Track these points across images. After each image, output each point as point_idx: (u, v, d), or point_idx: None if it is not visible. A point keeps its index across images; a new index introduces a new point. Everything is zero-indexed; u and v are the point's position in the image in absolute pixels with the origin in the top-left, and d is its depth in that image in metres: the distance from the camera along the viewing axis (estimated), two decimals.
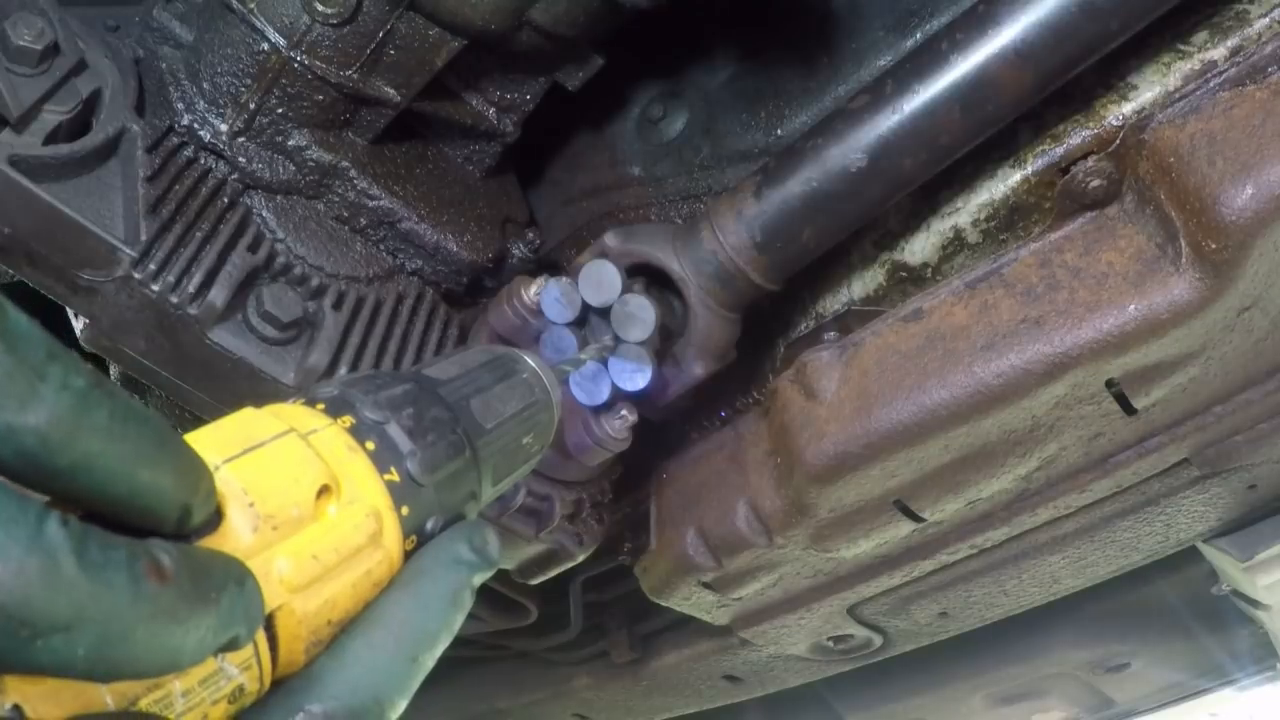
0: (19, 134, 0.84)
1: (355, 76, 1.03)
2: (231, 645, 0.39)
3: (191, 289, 0.93)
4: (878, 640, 1.50)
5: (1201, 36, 0.97)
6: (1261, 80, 0.89)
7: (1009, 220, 1.06)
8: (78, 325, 0.95)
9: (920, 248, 1.11)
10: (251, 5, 0.98)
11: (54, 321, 0.99)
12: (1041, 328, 0.94)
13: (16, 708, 0.33)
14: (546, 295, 1.05)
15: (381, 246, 1.15)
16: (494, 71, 1.18)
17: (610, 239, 1.07)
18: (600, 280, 1.02)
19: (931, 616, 1.44)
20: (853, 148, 0.98)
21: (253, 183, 1.05)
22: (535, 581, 1.27)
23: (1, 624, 0.31)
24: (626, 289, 1.02)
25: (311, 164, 1.07)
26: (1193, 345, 0.93)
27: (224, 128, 1.02)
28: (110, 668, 0.34)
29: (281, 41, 0.98)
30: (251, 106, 1.02)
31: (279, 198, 1.07)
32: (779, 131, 1.23)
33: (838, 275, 1.18)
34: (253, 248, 1.01)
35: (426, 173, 1.19)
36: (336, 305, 1.05)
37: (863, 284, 1.16)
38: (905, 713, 2.08)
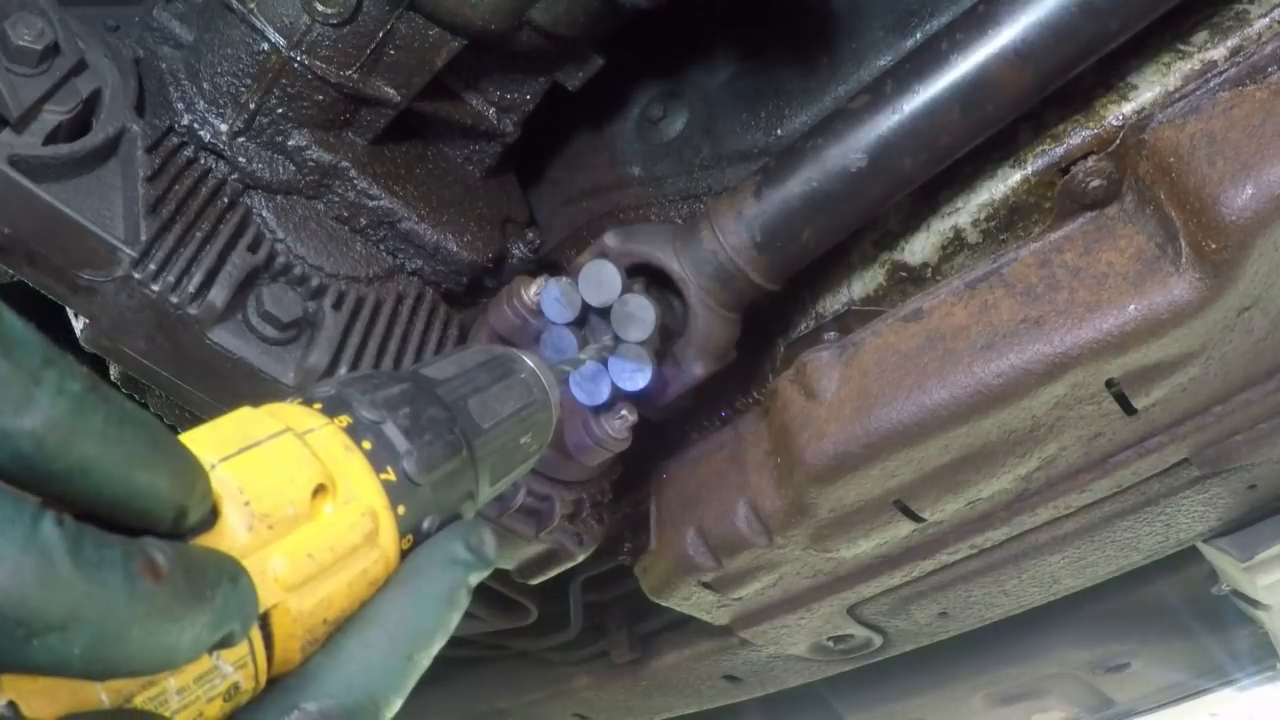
0: (19, 134, 0.84)
1: (355, 76, 1.03)
2: (226, 642, 0.39)
3: (191, 289, 0.93)
4: (878, 640, 1.50)
5: (1201, 36, 0.97)
6: (1261, 80, 0.89)
7: (1009, 220, 1.06)
8: (78, 325, 0.95)
9: (920, 248, 1.11)
10: (251, 5, 0.98)
11: (54, 322, 0.99)
12: (1041, 328, 0.94)
13: (12, 705, 0.34)
14: (546, 295, 1.05)
15: (381, 246, 1.15)
16: (494, 71, 1.18)
17: (610, 239, 1.07)
18: (600, 280, 1.02)
19: (931, 616, 1.44)
20: (853, 148, 0.98)
21: (253, 183, 1.05)
22: (535, 581, 1.27)
23: None
24: (626, 289, 1.02)
25: (311, 164, 1.07)
26: (1193, 345, 0.93)
27: (224, 128, 1.02)
28: (106, 666, 0.34)
29: (281, 41, 0.98)
30: (251, 106, 1.02)
31: (279, 198, 1.07)
32: (779, 131, 1.23)
33: (838, 275, 1.18)
34: (253, 248, 1.01)
35: (426, 173, 1.20)
36: (336, 305, 1.05)
37: (863, 284, 1.16)
38: (905, 713, 2.08)
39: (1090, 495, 1.14)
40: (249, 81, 1.01)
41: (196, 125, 1.02)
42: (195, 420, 1.06)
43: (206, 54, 1.01)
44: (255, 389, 0.99)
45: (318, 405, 0.52)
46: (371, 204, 1.11)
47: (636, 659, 1.82)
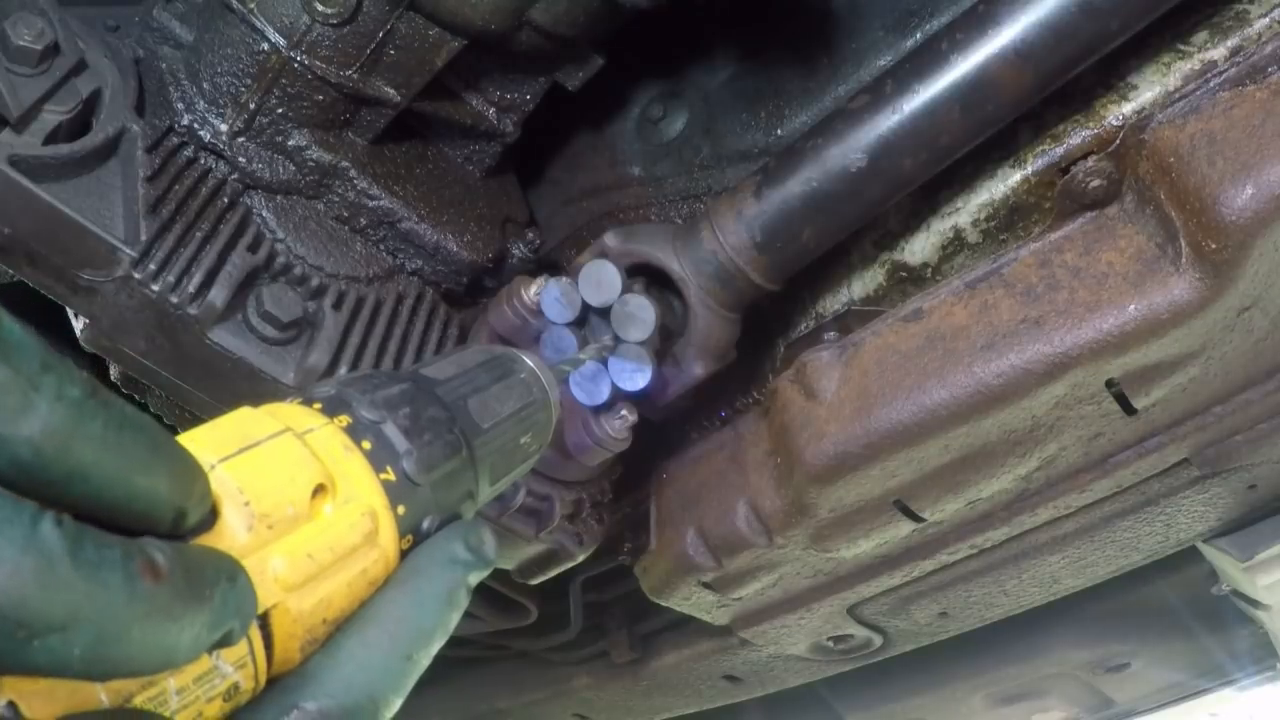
0: (19, 134, 0.84)
1: (355, 76, 1.03)
2: (225, 641, 0.39)
3: (191, 289, 0.93)
4: (878, 640, 1.50)
5: (1201, 36, 0.97)
6: (1261, 80, 0.89)
7: (1009, 220, 1.06)
8: (78, 325, 0.95)
9: (920, 248, 1.11)
10: (251, 5, 0.98)
11: (54, 322, 0.99)
12: (1041, 328, 0.94)
13: (12, 705, 0.34)
14: (546, 295, 1.05)
15: (381, 246, 1.15)
16: (494, 71, 1.18)
17: (610, 239, 1.07)
18: (600, 280, 1.02)
19: (931, 616, 1.44)
20: (853, 148, 0.98)
21: (253, 183, 1.05)
22: (535, 581, 1.27)
23: None
24: (626, 289, 1.02)
25: (311, 164, 1.07)
26: (1193, 345, 0.93)
27: (224, 128, 1.02)
28: (107, 667, 0.34)
29: (281, 41, 0.98)
30: (251, 106, 1.02)
31: (279, 198, 1.07)
32: (779, 131, 1.23)
33: (838, 275, 1.18)
34: (253, 248, 1.01)
35: (426, 173, 1.19)
36: (336, 305, 1.05)
37: (863, 284, 1.16)
38: (905, 713, 2.08)
39: (1090, 495, 1.14)
40: (249, 81, 1.01)
41: (196, 125, 1.02)
42: (195, 420, 1.06)
43: (206, 54, 1.01)
44: (255, 389, 0.99)
45: (317, 405, 0.52)
46: (371, 204, 1.11)
47: (636, 659, 1.82)
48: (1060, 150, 1.01)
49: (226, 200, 1.02)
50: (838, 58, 1.20)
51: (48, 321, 1.03)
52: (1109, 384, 0.96)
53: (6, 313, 0.34)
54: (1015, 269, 1.01)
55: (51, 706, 0.35)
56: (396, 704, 0.47)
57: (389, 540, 0.50)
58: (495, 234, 1.25)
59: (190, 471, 0.40)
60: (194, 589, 0.37)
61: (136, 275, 0.90)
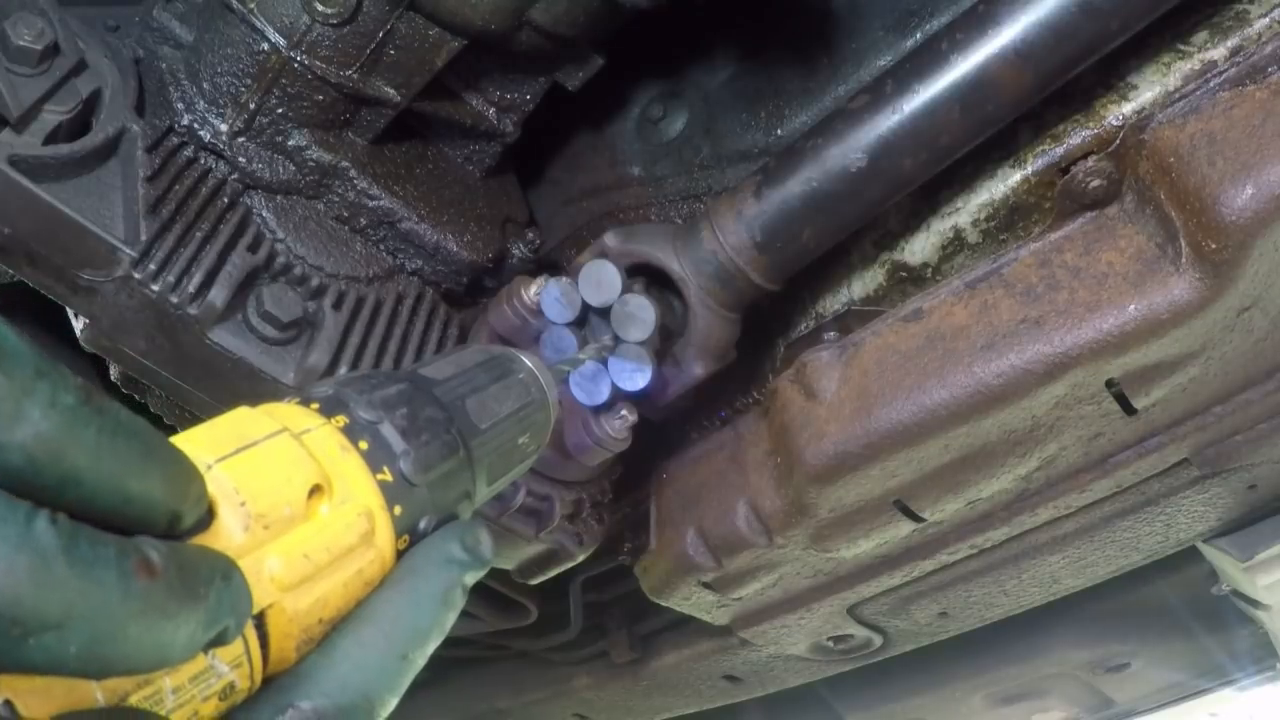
0: (19, 134, 0.84)
1: (355, 76, 1.03)
2: (220, 639, 0.39)
3: (191, 289, 0.93)
4: (878, 640, 1.50)
5: (1201, 36, 0.97)
6: (1261, 80, 0.89)
7: (1009, 220, 1.06)
8: (78, 325, 0.95)
9: (920, 248, 1.11)
10: (251, 5, 0.98)
11: (54, 321, 0.99)
12: (1041, 328, 0.94)
13: (8, 704, 0.34)
14: (546, 295, 1.05)
15: (381, 246, 1.15)
16: (494, 71, 1.18)
17: (610, 239, 1.07)
18: (600, 280, 1.02)
19: (931, 616, 1.44)
20: (853, 148, 0.98)
21: (253, 183, 1.05)
22: (535, 581, 1.27)
23: None
24: (626, 289, 1.02)
25: (311, 164, 1.07)
26: (1193, 345, 0.93)
27: (224, 128, 1.02)
28: (102, 665, 0.35)
29: (281, 41, 0.98)
30: (251, 106, 1.02)
31: (279, 198, 1.07)
32: (779, 131, 1.23)
33: (838, 275, 1.18)
34: (253, 248, 1.01)
35: (426, 173, 1.20)
36: (336, 305, 1.05)
37: (863, 284, 1.16)
38: (905, 713, 2.08)
39: (1090, 495, 1.14)
40: (249, 81, 1.01)
41: (196, 125, 1.02)
42: (195, 420, 1.06)
43: (206, 54, 1.01)
44: (255, 389, 0.99)
45: (315, 405, 0.52)
46: (371, 204, 1.11)
47: (636, 659, 1.82)
48: (1060, 150, 1.01)
49: (226, 200, 1.02)
50: (838, 58, 1.20)
51: (48, 321, 1.03)
52: (1109, 384, 0.96)
53: (1, 319, 0.34)
54: (1015, 269, 1.01)
55: (48, 705, 0.35)
56: (392, 703, 0.48)
57: (385, 540, 0.50)
58: (495, 234, 1.25)
59: (185, 475, 0.40)
60: (189, 587, 0.37)
61: (136, 275, 0.90)
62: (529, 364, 0.68)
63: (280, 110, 1.03)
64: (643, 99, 1.38)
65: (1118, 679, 1.88)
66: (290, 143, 1.05)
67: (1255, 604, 1.40)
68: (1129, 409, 0.99)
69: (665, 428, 1.31)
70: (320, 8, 0.97)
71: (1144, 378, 0.96)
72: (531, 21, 1.04)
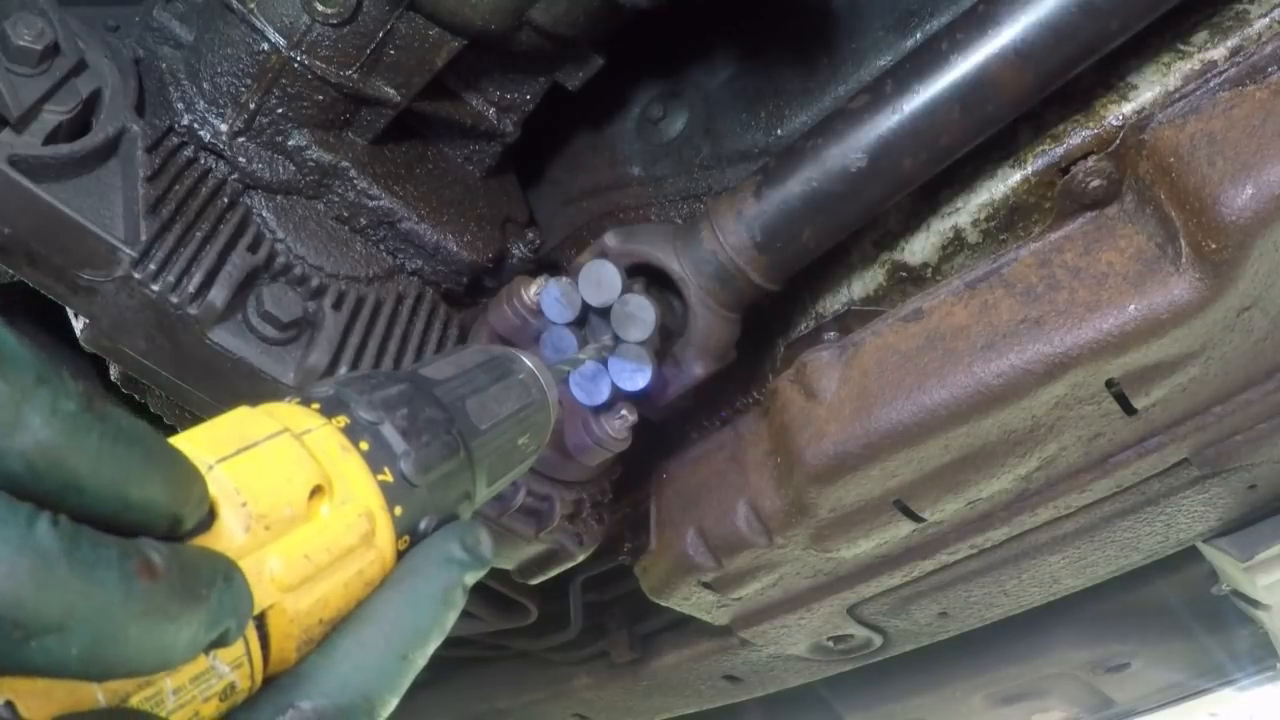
0: (19, 134, 0.84)
1: (355, 76, 1.03)
2: (221, 641, 0.39)
3: (191, 289, 0.93)
4: (878, 640, 1.50)
5: (1201, 36, 0.97)
6: (1261, 80, 0.89)
7: (1009, 220, 1.06)
8: (78, 325, 0.95)
9: (920, 248, 1.11)
10: (251, 5, 0.98)
11: (54, 321, 0.99)
12: (1041, 328, 0.94)
13: (9, 705, 0.34)
14: (546, 295, 1.05)
15: (381, 246, 1.15)
16: (494, 71, 1.18)
17: (610, 239, 1.07)
18: (600, 280, 1.02)
19: (931, 616, 1.44)
20: (853, 148, 0.98)
21: (253, 183, 1.05)
22: (535, 581, 1.27)
23: None
24: (626, 289, 1.02)
25: (311, 164, 1.07)
26: (1193, 345, 0.93)
27: (224, 128, 1.02)
28: (104, 667, 0.34)
29: (281, 41, 0.98)
30: (251, 106, 1.02)
31: (279, 198, 1.07)
32: (779, 131, 1.23)
33: (838, 275, 1.18)
34: (253, 248, 1.01)
35: (426, 173, 1.20)
36: (336, 305, 1.05)
37: (863, 284, 1.16)
38: (905, 713, 2.08)
39: (1090, 495, 1.14)
40: (249, 81, 1.01)
41: (196, 125, 1.02)
42: (195, 420, 1.06)
43: (206, 54, 1.01)
44: (255, 389, 0.99)
45: (315, 405, 0.52)
46: (371, 204, 1.11)
47: (636, 659, 1.82)
48: (1060, 150, 1.01)
49: (226, 200, 1.02)
50: (838, 58, 1.20)
51: (48, 321, 1.03)
52: (1109, 384, 0.96)
53: (2, 324, 0.34)
54: (1015, 269, 1.01)
55: (49, 706, 0.35)
56: (392, 703, 0.48)
57: (386, 541, 0.50)
58: (495, 234, 1.25)
59: (187, 479, 0.40)
60: (190, 588, 0.37)
61: (136, 275, 0.90)
62: (529, 364, 0.68)
63: (280, 110, 1.03)
64: (643, 99, 1.38)
65: (1118, 679, 1.88)
66: (290, 143, 1.05)
67: (1255, 604, 1.40)
68: (1129, 409, 0.99)
69: (665, 428, 1.31)
70: (320, 8, 0.97)
71: (1144, 378, 0.96)
72: (531, 21, 1.04)
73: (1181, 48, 0.97)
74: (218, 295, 0.95)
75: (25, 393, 0.34)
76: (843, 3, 1.21)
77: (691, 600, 1.32)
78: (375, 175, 1.11)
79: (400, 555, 0.52)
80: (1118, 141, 0.98)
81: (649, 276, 1.08)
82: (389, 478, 0.51)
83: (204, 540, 0.42)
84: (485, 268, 1.23)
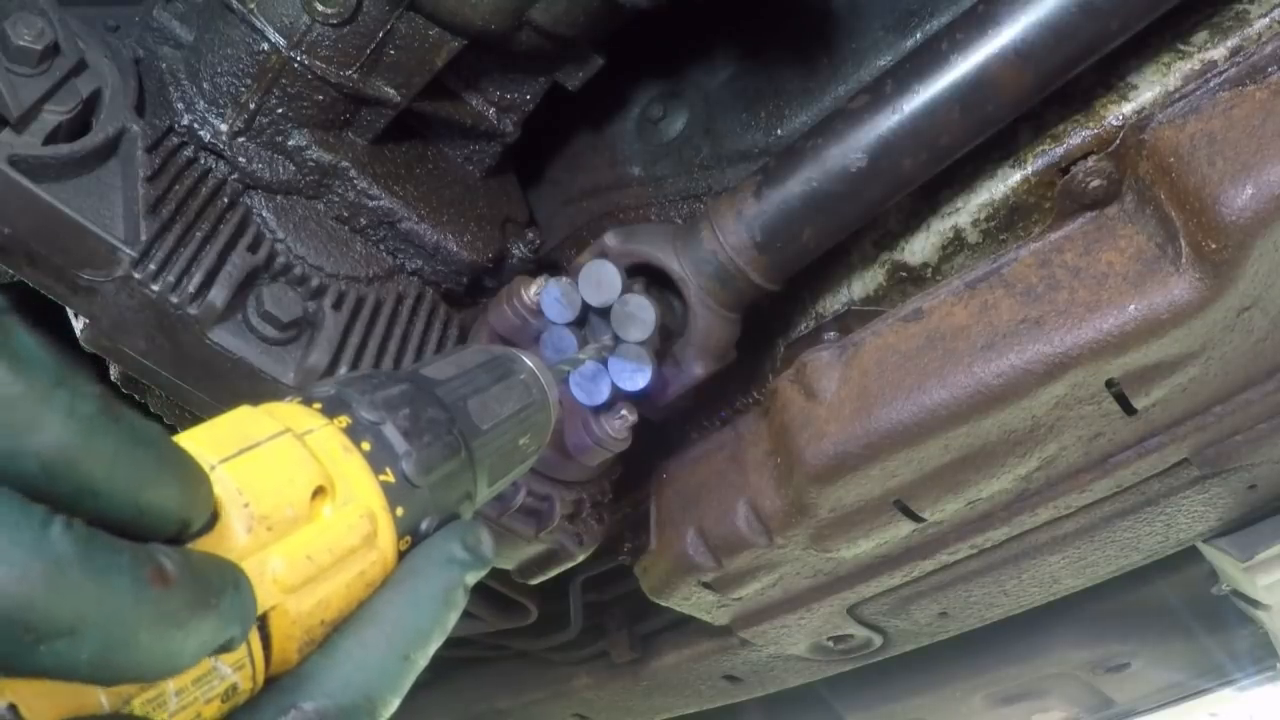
0: (19, 134, 0.84)
1: (355, 76, 1.03)
2: (227, 647, 0.39)
3: (191, 289, 0.93)
4: (878, 640, 1.50)
5: (1201, 36, 0.97)
6: (1261, 80, 0.89)
7: (1009, 220, 1.06)
8: (78, 325, 0.95)
9: (920, 248, 1.11)
10: (251, 5, 0.98)
11: (54, 321, 0.99)
12: (1041, 328, 0.94)
13: (13, 708, 0.33)
14: (546, 295, 1.05)
15: (381, 246, 1.15)
16: (494, 71, 1.18)
17: (610, 239, 1.07)
18: (600, 280, 1.02)
19: (931, 616, 1.44)
20: (853, 148, 0.98)
21: (253, 183, 1.05)
22: (535, 581, 1.27)
23: (5, 628, 0.31)
24: (626, 289, 1.02)
25: (311, 164, 1.07)
26: (1193, 345, 0.93)
27: (224, 128, 1.02)
28: (113, 672, 0.34)
29: (281, 41, 0.98)
30: (251, 106, 1.02)
31: (279, 198, 1.07)
32: (779, 131, 1.23)
33: (838, 275, 1.18)
34: (253, 248, 1.01)
35: (426, 173, 1.20)
36: (336, 305, 1.05)
37: (863, 284, 1.16)
38: (905, 713, 2.08)
39: (1090, 495, 1.14)
40: (249, 81, 1.01)
41: (196, 125, 1.02)
42: (195, 420, 1.06)
43: (206, 54, 1.01)
44: (255, 389, 0.99)
45: (317, 405, 0.52)
46: (371, 204, 1.11)
47: (636, 659, 1.82)
48: (1060, 150, 1.01)
49: (226, 200, 1.02)
50: (838, 58, 1.20)
51: (48, 321, 1.03)
52: (1109, 384, 0.96)
53: (20, 326, 0.34)
54: (1015, 269, 1.01)
55: (53, 709, 0.35)
56: (394, 704, 0.48)
57: (387, 542, 0.50)
58: (495, 234, 1.25)
59: (197, 482, 0.40)
60: (200, 597, 0.37)
61: (136, 275, 0.90)
62: (530, 364, 0.68)
63: (280, 110, 1.03)
64: (643, 99, 1.38)
65: (1118, 679, 1.88)
66: (290, 143, 1.05)
67: (1255, 604, 1.40)
68: (1129, 409, 0.99)
69: (665, 428, 1.31)
70: (320, 8, 0.97)
71: (1144, 378, 0.96)
72: (531, 21, 1.04)
73: (1181, 48, 0.97)
74: (218, 295, 0.95)
75: (43, 394, 0.34)
76: (843, 3, 1.21)
77: (691, 600, 1.32)
78: (375, 175, 1.11)
79: (402, 555, 0.52)
80: (1118, 141, 0.98)
81: (649, 276, 1.08)
82: (391, 478, 0.51)
83: (207, 541, 0.42)
84: (485, 268, 1.23)
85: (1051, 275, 0.97)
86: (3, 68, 0.85)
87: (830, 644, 1.49)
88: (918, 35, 1.14)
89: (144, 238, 0.90)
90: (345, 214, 1.11)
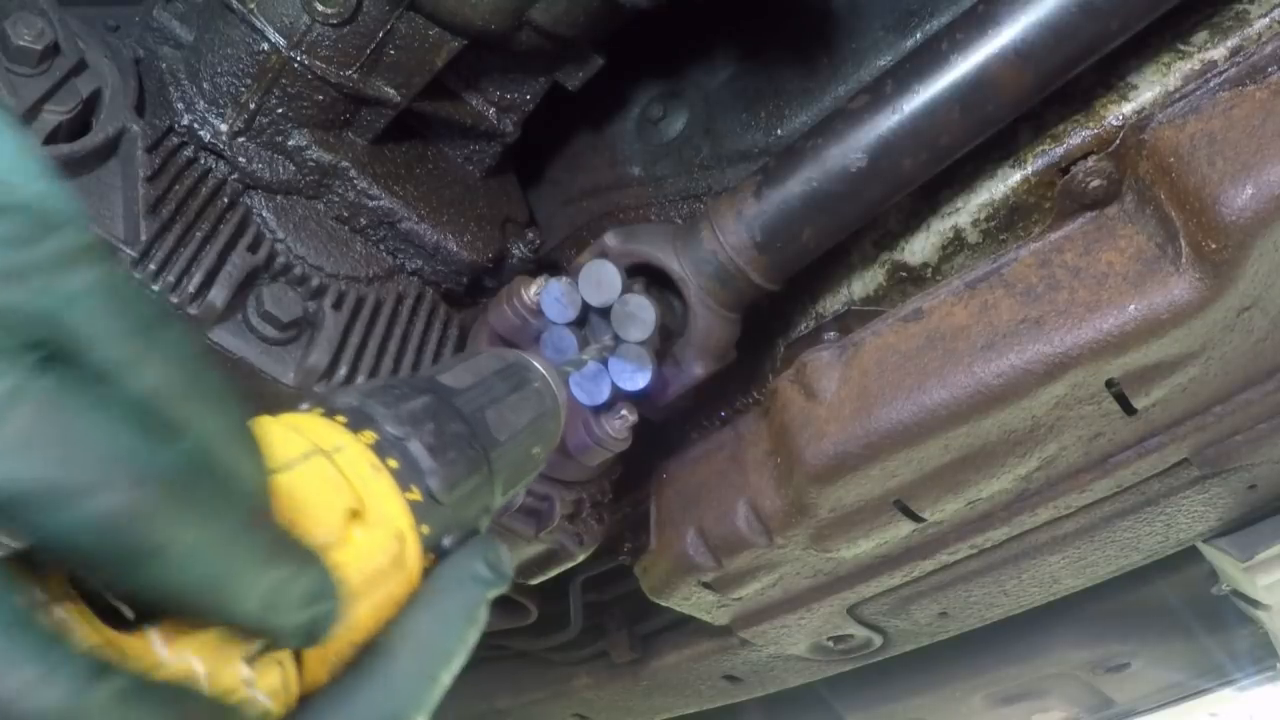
0: None
1: (355, 76, 1.03)
2: (315, 629, 0.41)
3: (191, 289, 0.93)
4: (878, 640, 1.50)
5: (1201, 36, 0.97)
6: (1261, 80, 0.89)
7: (1009, 220, 1.06)
8: None
9: (920, 248, 1.11)
10: (251, 5, 0.98)
11: None
12: (1041, 328, 0.94)
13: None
14: (546, 295, 1.04)
15: (381, 246, 1.15)
16: (494, 71, 1.18)
17: (610, 239, 1.07)
18: (600, 280, 1.02)
19: (931, 616, 1.44)
20: (853, 148, 0.98)
21: (253, 183, 1.05)
22: (535, 581, 1.27)
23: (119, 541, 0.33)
24: (626, 289, 1.02)
25: (311, 164, 1.07)
26: (1193, 345, 0.93)
27: (224, 128, 1.02)
28: (217, 599, 0.37)
29: (281, 41, 0.98)
30: (251, 106, 1.02)
31: (279, 198, 1.07)
32: (779, 131, 1.23)
33: (838, 275, 1.18)
34: (253, 248, 1.01)
35: (426, 173, 1.20)
36: (336, 305, 1.05)
37: (863, 284, 1.16)
38: (905, 713, 2.08)
39: (1090, 495, 1.14)
40: (249, 81, 1.01)
41: (196, 125, 1.02)
42: None
43: (206, 54, 1.01)
44: (256, 389, 0.99)
45: (340, 418, 0.51)
46: (371, 204, 1.11)
47: (636, 659, 1.82)
48: (1060, 150, 1.01)
49: (226, 200, 1.02)
50: (838, 58, 1.20)
51: None
52: (1109, 384, 0.96)
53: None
54: (1015, 269, 1.01)
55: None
56: None
57: (414, 561, 0.49)
58: (495, 234, 1.25)
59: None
60: (297, 550, 0.41)
61: (136, 275, 0.90)
62: (542, 371, 0.68)
63: (280, 110, 1.03)
64: (643, 99, 1.38)
65: (1118, 679, 1.88)
66: (290, 143, 1.05)
67: (1255, 604, 1.40)
68: (1129, 409, 0.99)
69: (665, 428, 1.31)
70: (320, 8, 0.97)
71: (1144, 378, 0.96)
72: (531, 21, 1.04)
73: (1181, 48, 0.97)
74: (218, 295, 0.95)
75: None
76: (843, 3, 1.21)
77: (691, 600, 1.32)
78: (375, 175, 1.11)
79: (425, 572, 0.51)
80: (1118, 141, 0.98)
81: (649, 276, 1.08)
82: (417, 496, 0.50)
83: None
84: (485, 268, 1.23)
85: (1051, 275, 0.97)
86: (3, 68, 0.85)
87: (830, 644, 1.49)
88: (918, 35, 1.14)
89: (144, 238, 0.90)
90: (345, 214, 1.11)
